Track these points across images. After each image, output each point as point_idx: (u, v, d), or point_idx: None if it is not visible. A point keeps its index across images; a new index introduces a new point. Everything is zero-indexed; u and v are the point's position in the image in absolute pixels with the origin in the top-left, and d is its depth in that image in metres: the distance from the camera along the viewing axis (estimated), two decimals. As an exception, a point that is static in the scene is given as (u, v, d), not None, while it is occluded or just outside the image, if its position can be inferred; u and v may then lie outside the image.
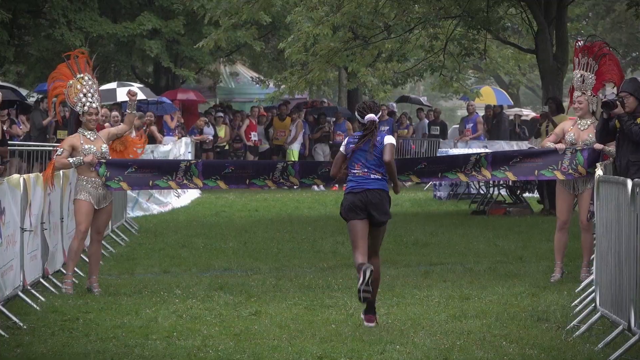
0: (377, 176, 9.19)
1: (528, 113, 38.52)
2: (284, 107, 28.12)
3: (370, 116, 9.28)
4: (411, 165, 12.02)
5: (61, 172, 11.62)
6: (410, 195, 24.54)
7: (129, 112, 11.50)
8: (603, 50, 11.66)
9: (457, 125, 30.19)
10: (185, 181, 11.59)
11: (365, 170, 9.19)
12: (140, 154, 12.02)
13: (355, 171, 9.23)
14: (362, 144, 9.23)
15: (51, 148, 18.49)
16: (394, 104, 34.31)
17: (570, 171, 11.49)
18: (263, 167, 11.90)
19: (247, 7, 21.32)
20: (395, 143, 9.36)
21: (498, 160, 11.80)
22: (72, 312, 9.77)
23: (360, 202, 9.10)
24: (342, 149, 9.40)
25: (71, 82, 11.17)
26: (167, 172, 11.61)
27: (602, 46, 11.75)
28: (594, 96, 11.66)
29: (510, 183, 19.41)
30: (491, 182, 19.41)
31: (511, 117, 31.55)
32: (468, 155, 12.07)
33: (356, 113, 9.48)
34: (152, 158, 17.96)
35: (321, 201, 22.16)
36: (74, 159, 11.03)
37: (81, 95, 11.13)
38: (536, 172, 11.68)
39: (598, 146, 11.40)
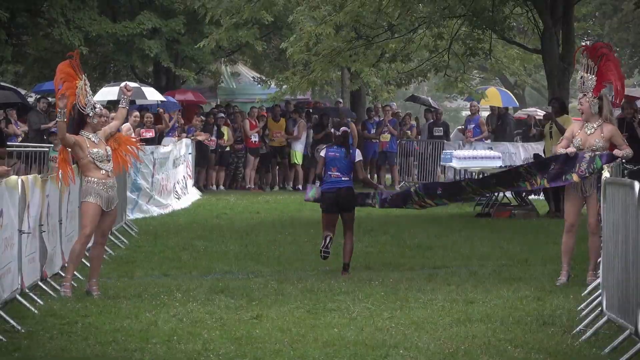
0: (346, 178, 12.36)
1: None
2: (277, 108, 27.97)
3: (344, 128, 12.66)
4: (457, 191, 12.66)
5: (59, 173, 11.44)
6: (414, 196, 24.37)
7: (122, 106, 11.34)
8: (601, 51, 11.57)
9: (462, 127, 30.03)
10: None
11: (338, 174, 12.32)
12: (136, 154, 11.84)
13: (331, 173, 12.34)
14: (338, 153, 12.33)
15: (49, 149, 18.36)
16: (394, 104, 34.20)
17: (587, 175, 11.38)
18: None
19: (248, 6, 21.27)
20: (362, 159, 12.64)
21: (541, 169, 11.80)
22: (71, 316, 9.68)
23: (333, 200, 12.30)
24: (322, 153, 12.47)
25: (80, 83, 10.93)
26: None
27: (601, 47, 11.67)
28: (595, 97, 11.57)
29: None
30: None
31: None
32: (510, 171, 12.65)
33: (331, 129, 12.79)
34: None
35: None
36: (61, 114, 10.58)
37: (89, 97, 10.96)
38: (564, 177, 11.56)
39: (618, 152, 11.34)
